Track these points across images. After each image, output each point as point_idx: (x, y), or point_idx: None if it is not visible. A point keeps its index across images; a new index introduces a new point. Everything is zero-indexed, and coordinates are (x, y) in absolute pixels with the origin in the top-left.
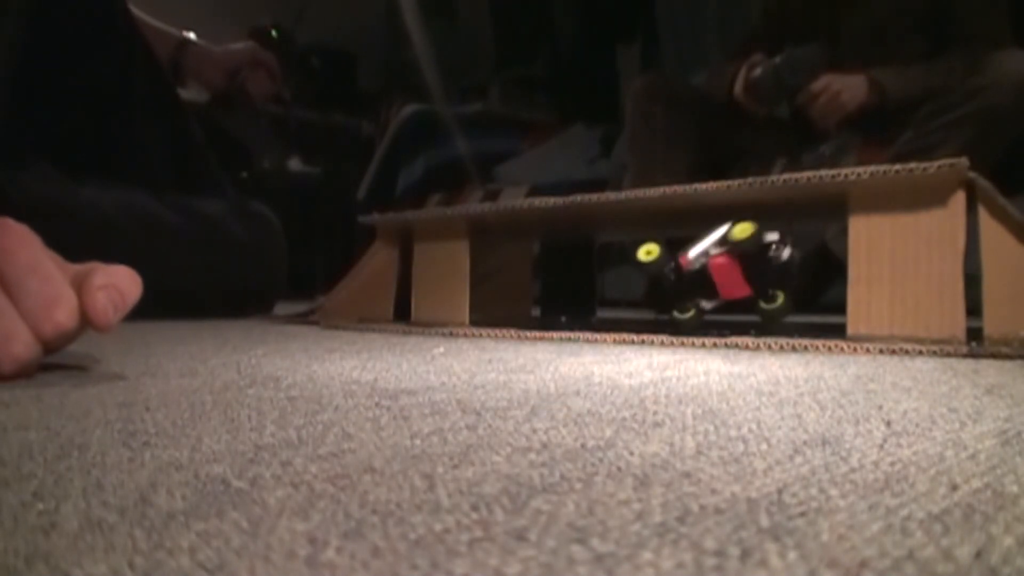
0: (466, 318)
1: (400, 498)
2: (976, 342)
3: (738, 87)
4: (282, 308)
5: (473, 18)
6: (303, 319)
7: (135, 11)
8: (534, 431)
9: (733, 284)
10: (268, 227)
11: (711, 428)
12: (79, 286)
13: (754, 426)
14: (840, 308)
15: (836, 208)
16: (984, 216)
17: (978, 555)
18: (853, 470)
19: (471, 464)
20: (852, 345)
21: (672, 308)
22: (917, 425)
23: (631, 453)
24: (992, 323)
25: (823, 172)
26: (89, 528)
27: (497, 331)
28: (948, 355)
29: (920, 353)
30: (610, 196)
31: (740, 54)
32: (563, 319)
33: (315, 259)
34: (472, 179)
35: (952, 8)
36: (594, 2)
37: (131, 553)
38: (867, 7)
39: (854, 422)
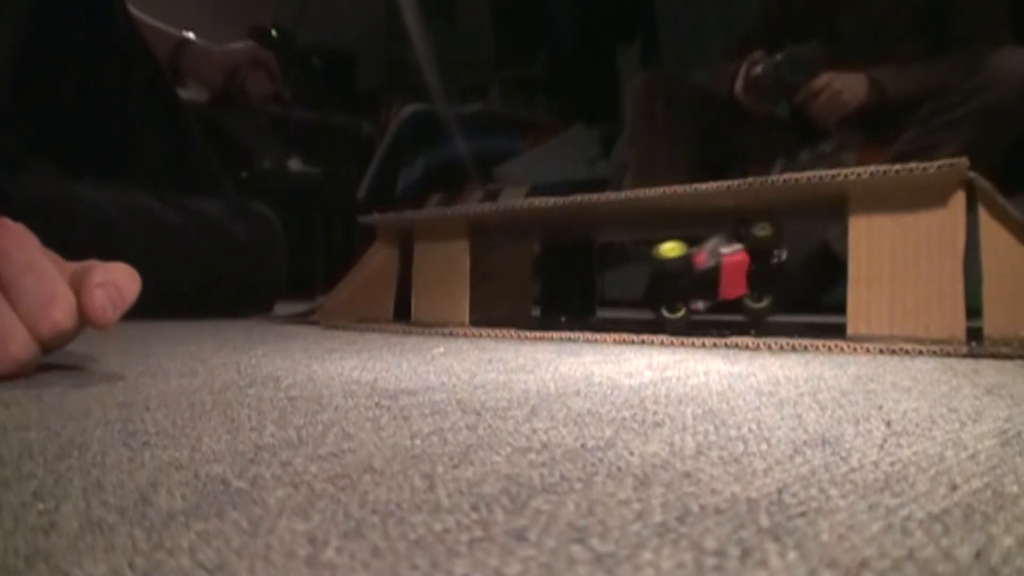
0: (466, 318)
1: (400, 498)
2: (976, 342)
3: (738, 85)
4: (282, 308)
5: (473, 18)
6: (303, 319)
7: (134, 11)
8: (534, 431)
9: (736, 283)
10: (268, 227)
11: (711, 428)
12: (77, 284)
13: (754, 426)
14: (843, 308)
15: (836, 208)
16: (984, 216)
17: (978, 555)
18: (853, 470)
19: (471, 464)
20: (852, 345)
21: (662, 306)
22: (917, 425)
23: (631, 453)
24: (992, 323)
25: (823, 172)
26: (89, 528)
27: (497, 331)
28: (948, 355)
29: (920, 353)
30: (610, 196)
31: (740, 52)
32: (563, 319)
33: (315, 259)
34: (472, 179)
35: (951, 7)
36: (594, 2)
37: (131, 553)
38: (866, 6)
39: (854, 422)
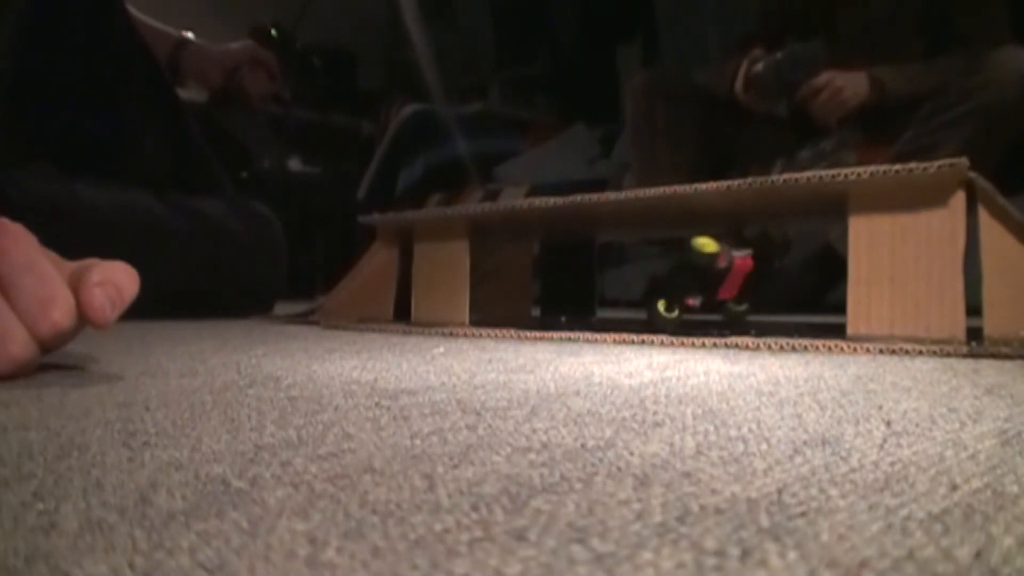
0: (466, 318)
1: (400, 498)
2: (976, 342)
3: (738, 83)
4: (282, 308)
5: (473, 18)
6: (303, 319)
7: (133, 11)
8: (534, 431)
9: (734, 285)
10: (268, 227)
11: (711, 428)
12: (76, 283)
13: (754, 426)
14: (844, 308)
15: (836, 208)
16: (984, 216)
17: (978, 555)
18: (853, 470)
19: (471, 464)
20: (852, 345)
21: (662, 302)
22: (917, 425)
23: (631, 453)
24: (992, 323)
25: (823, 172)
26: (89, 528)
27: (497, 331)
28: (948, 355)
29: (920, 353)
30: (610, 196)
31: (740, 51)
32: (563, 319)
33: (315, 259)
34: (472, 179)
35: (951, 6)
36: (594, 2)
37: (131, 553)
38: (866, 6)
39: (854, 422)
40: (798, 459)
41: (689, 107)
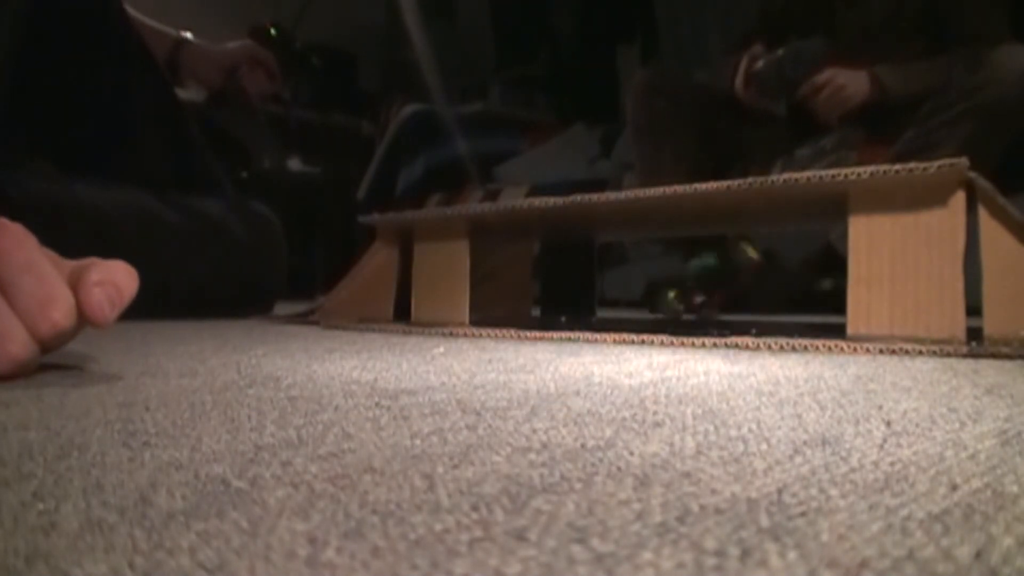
0: (466, 318)
1: (400, 498)
2: (976, 342)
3: (738, 80)
4: (282, 308)
5: (473, 18)
6: (303, 319)
7: (131, 11)
8: (534, 431)
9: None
10: (268, 227)
11: (711, 428)
12: (75, 283)
13: (754, 426)
14: (843, 308)
15: (836, 208)
16: (984, 216)
17: (978, 555)
18: (853, 470)
19: (471, 464)
20: (852, 345)
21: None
22: (917, 425)
23: (631, 453)
24: (992, 323)
25: (823, 172)
26: (89, 528)
27: (497, 331)
28: (948, 355)
29: (920, 353)
30: (610, 196)
31: (740, 48)
32: (563, 319)
33: (315, 259)
34: (472, 179)
35: (951, 5)
36: (594, 2)
37: (131, 553)
38: (866, 5)
39: (854, 422)
40: (798, 459)
41: (690, 105)
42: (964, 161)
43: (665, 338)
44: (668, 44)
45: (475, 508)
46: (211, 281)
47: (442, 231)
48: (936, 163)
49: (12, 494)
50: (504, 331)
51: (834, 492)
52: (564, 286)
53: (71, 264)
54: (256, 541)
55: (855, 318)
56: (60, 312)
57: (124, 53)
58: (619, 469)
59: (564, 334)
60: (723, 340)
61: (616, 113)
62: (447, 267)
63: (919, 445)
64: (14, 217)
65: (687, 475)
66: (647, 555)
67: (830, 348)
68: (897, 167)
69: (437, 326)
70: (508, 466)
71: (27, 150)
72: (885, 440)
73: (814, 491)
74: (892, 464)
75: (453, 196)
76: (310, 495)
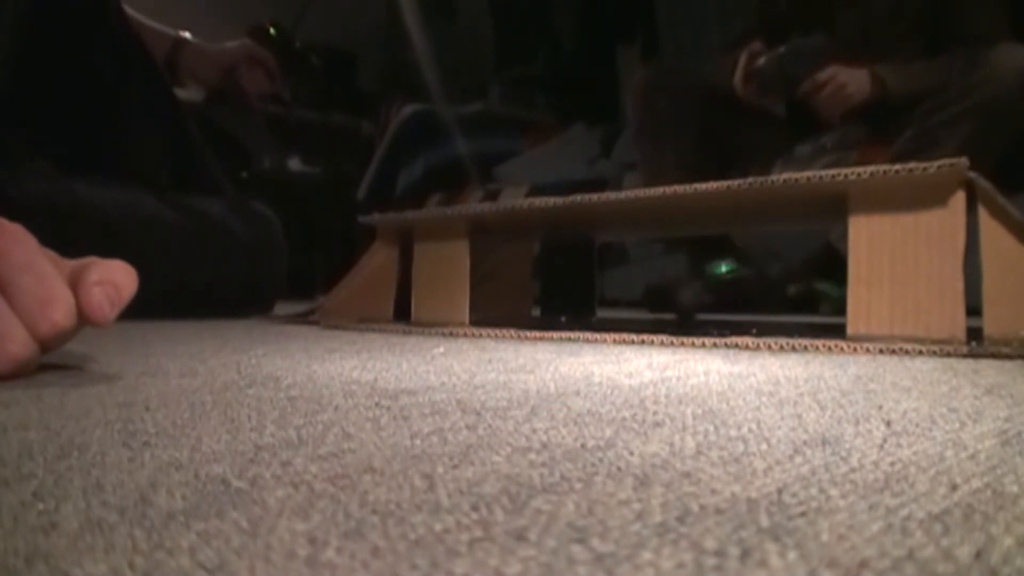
0: (466, 318)
1: (400, 498)
2: (976, 342)
3: (737, 75)
4: (282, 308)
5: (473, 18)
6: (303, 319)
7: (130, 11)
8: (534, 431)
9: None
10: (268, 227)
11: (711, 428)
12: (75, 282)
13: (754, 426)
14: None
15: (836, 208)
16: (984, 216)
17: (978, 555)
18: (853, 470)
19: (471, 464)
20: (852, 345)
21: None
22: (917, 425)
23: (631, 453)
24: (992, 323)
25: (823, 172)
26: (89, 528)
27: (497, 331)
28: (948, 355)
29: (920, 353)
30: (610, 196)
31: (738, 46)
32: (563, 319)
33: (315, 259)
34: (472, 179)
35: (949, 5)
36: (594, 2)
37: (131, 553)
38: (866, 5)
39: (854, 422)
40: (798, 459)
41: (691, 103)
42: (964, 161)
43: (665, 338)
44: (668, 44)
45: (475, 508)
46: (211, 281)
47: (442, 231)
48: (936, 163)
49: (12, 494)
50: (504, 331)
51: (834, 492)
52: (564, 286)
53: (70, 264)
54: (256, 541)
55: (855, 318)
56: (60, 312)
57: (123, 53)
58: (619, 469)
59: (564, 334)
60: (723, 340)
61: (616, 113)
62: (447, 267)
63: (919, 445)
64: (14, 217)
65: (687, 475)
66: (647, 555)
67: (830, 348)
68: (897, 167)
69: (437, 326)
70: (508, 466)
71: (27, 150)
72: (885, 440)
73: (814, 491)
74: (892, 464)
75: (453, 196)
76: (310, 495)
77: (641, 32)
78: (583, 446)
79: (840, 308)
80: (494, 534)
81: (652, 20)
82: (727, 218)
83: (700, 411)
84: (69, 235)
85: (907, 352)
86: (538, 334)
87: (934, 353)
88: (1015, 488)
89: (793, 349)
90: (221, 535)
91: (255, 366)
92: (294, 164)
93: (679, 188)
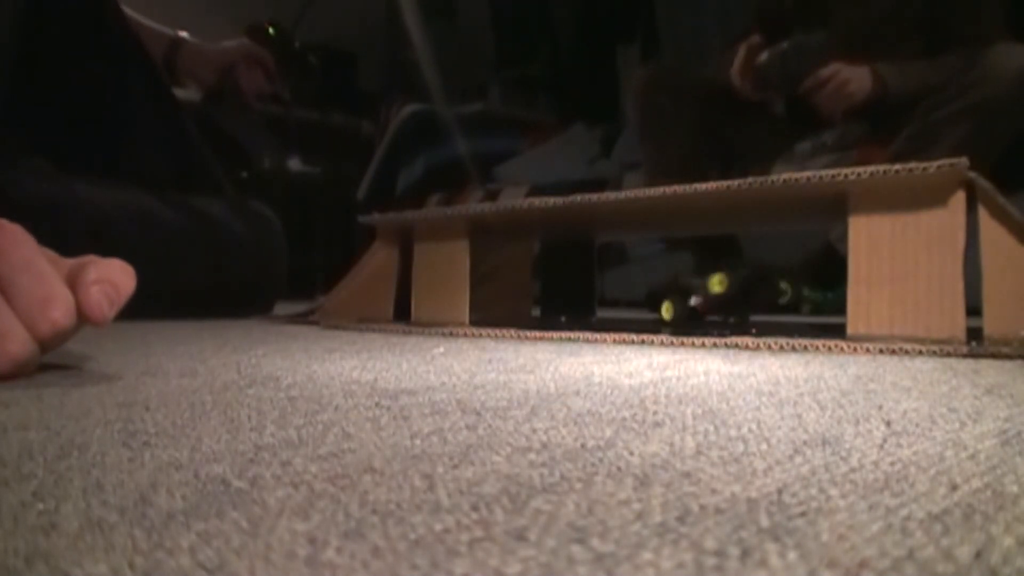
0: (466, 318)
1: (400, 498)
2: (976, 342)
3: (734, 68)
4: (282, 308)
5: (473, 18)
6: (303, 319)
7: (128, 11)
8: (534, 431)
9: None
10: (268, 226)
11: (711, 428)
12: (73, 281)
13: (754, 426)
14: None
15: (836, 208)
16: (984, 216)
17: (978, 555)
18: (853, 470)
19: (471, 464)
20: (852, 345)
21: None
22: (917, 425)
23: (631, 453)
24: (992, 323)
25: (823, 172)
26: (89, 528)
27: (497, 331)
28: (948, 355)
29: (920, 353)
30: (610, 196)
31: (737, 41)
32: (563, 319)
33: (315, 259)
34: (472, 179)
35: (948, 4)
36: (594, 2)
37: (131, 553)
38: (865, 5)
39: (854, 422)
40: (798, 459)
41: (691, 102)
42: (964, 161)
43: (665, 338)
44: (668, 43)
45: (475, 508)
46: (211, 281)
47: (442, 231)
48: (936, 163)
49: (12, 494)
50: (504, 331)
51: (834, 492)
52: (564, 286)
53: (69, 262)
54: (256, 541)
55: (855, 318)
56: (59, 311)
57: (121, 52)
58: (619, 469)
59: (564, 334)
60: (723, 340)
61: (616, 113)
62: (447, 267)
63: (919, 445)
64: (13, 216)
65: (687, 475)
66: (647, 555)
67: (830, 348)
68: (897, 167)
69: (437, 326)
70: (508, 466)
71: (26, 150)
72: (885, 440)
73: (814, 491)
74: (892, 464)
75: (453, 196)
76: (310, 495)
77: (641, 32)
78: (583, 446)
79: (820, 310)
80: (494, 534)
81: (652, 20)
82: (727, 218)
83: (700, 411)
84: (68, 235)
85: (907, 352)
86: (538, 334)
87: (934, 353)
88: (1015, 488)
89: (793, 349)
90: (221, 535)
91: (255, 366)
92: (294, 164)
93: (679, 188)
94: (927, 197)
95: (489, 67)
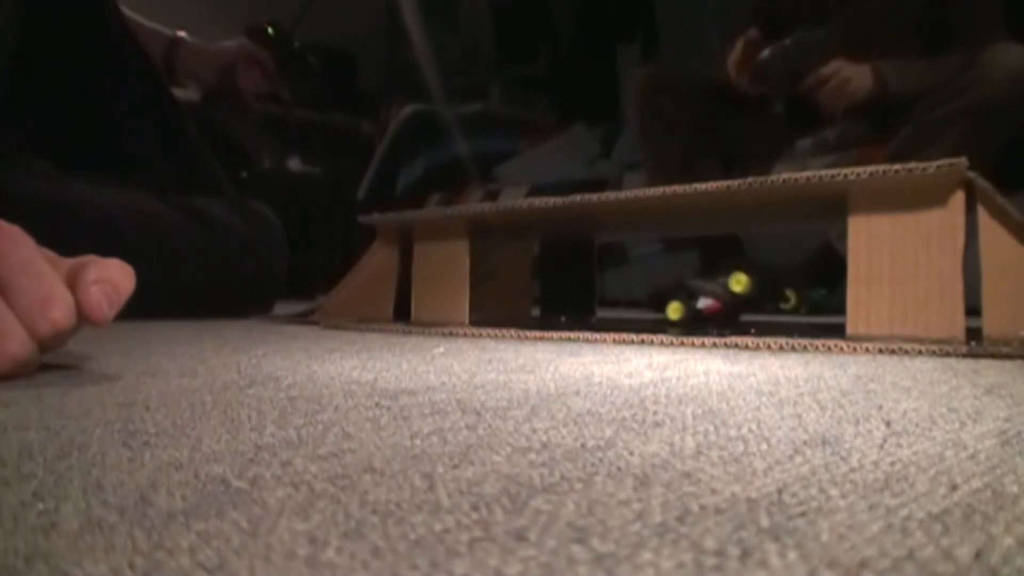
0: (466, 318)
1: (400, 498)
2: (976, 342)
3: (730, 61)
4: (282, 308)
5: (473, 18)
6: (303, 319)
7: (127, 11)
8: (534, 431)
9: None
10: (268, 226)
11: (711, 428)
12: (72, 281)
13: (754, 426)
14: (843, 308)
15: (836, 208)
16: (984, 216)
17: (978, 555)
18: (853, 470)
19: (471, 464)
20: (852, 345)
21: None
22: (917, 425)
23: (631, 453)
24: (992, 323)
25: (823, 172)
26: (89, 528)
27: (497, 331)
28: (948, 355)
29: (920, 353)
30: (610, 196)
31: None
32: (563, 319)
33: (315, 259)
34: (472, 179)
35: (946, 4)
36: (594, 2)
37: (131, 553)
38: (865, 4)
39: (854, 422)
40: (798, 459)
41: (691, 102)
42: (963, 161)
43: (665, 338)
44: (668, 43)
45: (475, 508)
46: (211, 281)
47: (442, 231)
48: (935, 163)
49: (12, 494)
50: (504, 331)
51: (834, 492)
52: (564, 286)
53: (68, 262)
54: (256, 541)
55: (855, 318)
56: (59, 311)
57: (121, 53)
58: (619, 469)
59: (564, 334)
60: (723, 340)
61: (616, 113)
62: (447, 267)
63: (919, 445)
64: (13, 217)
65: (687, 475)
66: (647, 555)
67: (830, 348)
68: (897, 167)
69: (437, 326)
70: (508, 466)
71: (26, 150)
72: (885, 440)
73: (814, 491)
74: (892, 464)
75: (453, 196)
76: (310, 495)
77: (641, 32)
78: (583, 446)
79: (815, 309)
80: (494, 534)
81: (652, 20)
82: (727, 218)
83: (700, 411)
84: (68, 235)
85: (907, 352)
86: (538, 334)
87: (934, 353)
88: (1015, 488)
89: (793, 349)
90: (221, 535)
91: (255, 366)
92: (294, 164)
93: (679, 188)
94: (927, 197)
95: (489, 67)
